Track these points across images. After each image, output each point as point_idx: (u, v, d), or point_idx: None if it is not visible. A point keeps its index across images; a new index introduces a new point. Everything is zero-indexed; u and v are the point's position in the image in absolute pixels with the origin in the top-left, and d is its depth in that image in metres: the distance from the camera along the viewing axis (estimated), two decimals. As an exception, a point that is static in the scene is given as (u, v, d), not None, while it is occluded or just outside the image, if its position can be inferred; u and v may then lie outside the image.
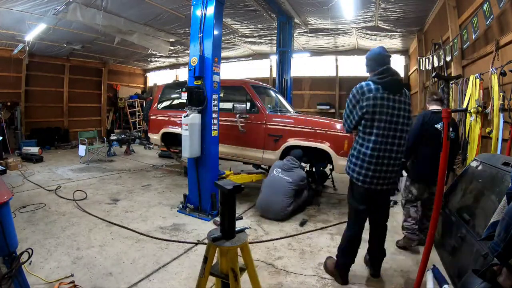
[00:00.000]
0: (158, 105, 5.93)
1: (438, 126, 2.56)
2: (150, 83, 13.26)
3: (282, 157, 4.22)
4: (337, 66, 9.25)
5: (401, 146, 2.16)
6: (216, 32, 3.64)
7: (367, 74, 2.31)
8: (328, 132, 3.99)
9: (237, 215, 2.80)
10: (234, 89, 5.01)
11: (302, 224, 3.57)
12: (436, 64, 4.77)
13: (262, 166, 4.88)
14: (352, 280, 2.39)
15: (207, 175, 3.73)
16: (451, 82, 3.87)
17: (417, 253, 2.84)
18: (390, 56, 2.25)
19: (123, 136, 8.63)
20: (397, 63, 8.59)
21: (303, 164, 4.39)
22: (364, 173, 2.13)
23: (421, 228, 2.90)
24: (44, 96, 9.52)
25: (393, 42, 7.60)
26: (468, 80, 3.50)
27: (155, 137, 5.78)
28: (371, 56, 2.25)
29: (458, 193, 2.06)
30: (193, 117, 3.60)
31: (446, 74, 4.36)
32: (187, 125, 3.55)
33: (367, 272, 2.51)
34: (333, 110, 9.13)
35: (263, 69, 10.39)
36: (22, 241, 2.82)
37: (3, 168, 2.55)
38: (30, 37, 6.78)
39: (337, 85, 9.19)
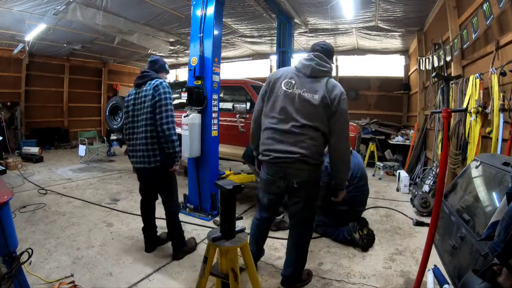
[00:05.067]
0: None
1: None
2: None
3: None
4: (337, 66, 9.24)
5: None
6: (216, 32, 3.64)
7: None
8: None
9: (237, 215, 2.80)
10: (234, 89, 5.00)
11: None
12: (436, 64, 4.77)
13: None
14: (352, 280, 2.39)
15: (207, 175, 3.73)
16: (451, 82, 3.87)
17: (418, 253, 2.85)
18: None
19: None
20: (397, 63, 8.59)
21: None
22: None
23: None
24: (44, 96, 9.51)
25: (393, 42, 7.59)
26: (468, 80, 3.50)
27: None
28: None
29: (458, 193, 2.06)
30: (193, 117, 3.60)
31: (446, 74, 4.36)
32: (187, 125, 3.55)
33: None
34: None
35: (263, 69, 10.38)
36: (22, 241, 2.83)
37: (3, 168, 2.54)
38: (30, 37, 6.77)
39: (337, 85, 9.18)
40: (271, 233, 3.31)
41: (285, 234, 3.30)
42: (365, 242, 2.92)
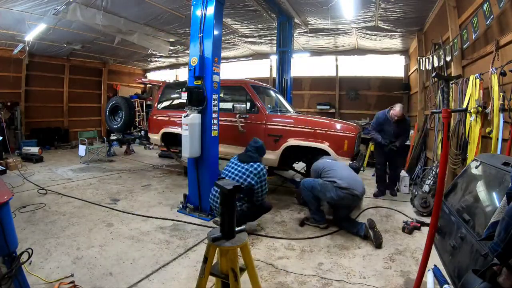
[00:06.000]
0: (158, 105, 5.93)
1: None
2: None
3: (282, 157, 4.22)
4: (337, 66, 9.24)
5: None
6: (216, 32, 3.64)
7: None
8: (328, 132, 3.99)
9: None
10: (234, 89, 5.00)
11: (302, 224, 3.57)
12: (436, 64, 4.76)
13: (262, 166, 4.88)
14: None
15: (207, 175, 3.73)
16: (451, 82, 3.87)
17: (418, 254, 2.85)
18: None
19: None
20: (397, 63, 8.58)
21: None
22: None
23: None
24: (44, 96, 9.51)
25: (393, 42, 7.59)
26: (468, 80, 3.50)
27: (155, 137, 5.78)
28: None
29: (458, 193, 2.06)
30: (193, 117, 3.60)
31: (446, 74, 4.36)
32: (187, 125, 3.55)
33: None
34: (333, 110, 9.12)
35: (263, 69, 10.37)
36: (22, 241, 2.82)
37: (3, 168, 2.55)
38: (30, 37, 6.77)
39: (337, 85, 9.18)
40: (271, 233, 3.32)
41: (285, 234, 3.31)
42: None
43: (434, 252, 1.94)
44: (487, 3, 2.84)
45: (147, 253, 2.79)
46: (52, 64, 9.53)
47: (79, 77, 10.41)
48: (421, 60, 5.92)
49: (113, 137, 8.10)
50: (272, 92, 5.54)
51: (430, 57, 5.09)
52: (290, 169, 5.29)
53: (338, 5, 5.08)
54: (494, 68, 2.89)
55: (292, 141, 4.13)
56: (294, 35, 7.12)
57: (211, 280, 1.84)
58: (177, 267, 2.58)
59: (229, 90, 5.10)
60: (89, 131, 8.59)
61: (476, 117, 3.26)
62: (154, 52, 9.50)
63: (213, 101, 3.68)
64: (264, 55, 9.87)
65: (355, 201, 3.38)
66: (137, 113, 7.42)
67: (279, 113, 4.70)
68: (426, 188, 4.49)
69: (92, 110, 11.15)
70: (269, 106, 4.95)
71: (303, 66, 9.42)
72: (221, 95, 4.67)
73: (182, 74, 12.15)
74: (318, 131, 4.04)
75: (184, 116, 3.62)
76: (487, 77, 3.02)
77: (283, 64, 6.89)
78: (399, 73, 8.52)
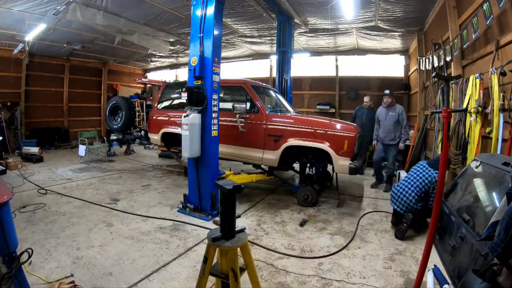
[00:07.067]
0: (158, 105, 5.93)
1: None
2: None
3: (282, 157, 4.22)
4: (337, 66, 9.25)
5: None
6: (216, 32, 3.64)
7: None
8: (328, 132, 3.99)
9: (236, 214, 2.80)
10: (234, 89, 5.00)
11: (302, 224, 3.57)
12: (436, 64, 4.77)
13: (262, 166, 4.88)
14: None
15: (207, 175, 3.73)
16: (451, 82, 3.87)
17: (417, 254, 2.85)
18: None
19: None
20: (397, 63, 8.59)
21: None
22: None
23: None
24: (44, 96, 9.51)
25: (393, 42, 7.59)
26: (468, 80, 3.50)
27: (155, 137, 5.78)
28: None
29: (458, 193, 2.06)
30: (193, 117, 3.60)
31: (446, 74, 4.36)
32: (187, 125, 3.55)
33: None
34: (333, 110, 9.12)
35: (263, 69, 10.38)
36: (22, 241, 2.83)
37: (3, 168, 2.55)
38: (30, 37, 6.77)
39: (337, 85, 9.19)
40: (271, 233, 3.32)
41: (285, 234, 3.31)
42: None
43: (434, 252, 1.94)
44: (487, 3, 2.84)
45: (147, 253, 2.79)
46: (52, 64, 9.53)
47: (79, 77, 10.42)
48: (421, 60, 5.93)
49: (113, 137, 8.11)
50: (272, 92, 5.54)
51: (430, 57, 5.09)
52: (290, 169, 5.29)
53: (338, 5, 5.08)
54: (494, 68, 2.89)
55: (292, 141, 4.13)
56: (294, 35, 7.12)
57: (211, 280, 1.84)
58: (177, 267, 2.58)
59: (229, 90, 5.10)
60: (89, 131, 8.59)
61: (476, 117, 3.26)
62: (154, 52, 9.50)
63: (213, 101, 3.68)
64: (264, 55, 9.87)
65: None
66: (137, 113, 7.42)
67: (279, 113, 4.70)
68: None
69: (92, 110, 11.15)
70: (269, 106, 4.95)
71: (303, 66, 9.43)
72: (221, 95, 4.67)
73: (182, 74, 12.16)
74: (318, 131, 4.04)
75: (184, 116, 3.62)
76: (487, 77, 3.02)
77: (283, 64, 6.89)
78: (399, 73, 8.52)
